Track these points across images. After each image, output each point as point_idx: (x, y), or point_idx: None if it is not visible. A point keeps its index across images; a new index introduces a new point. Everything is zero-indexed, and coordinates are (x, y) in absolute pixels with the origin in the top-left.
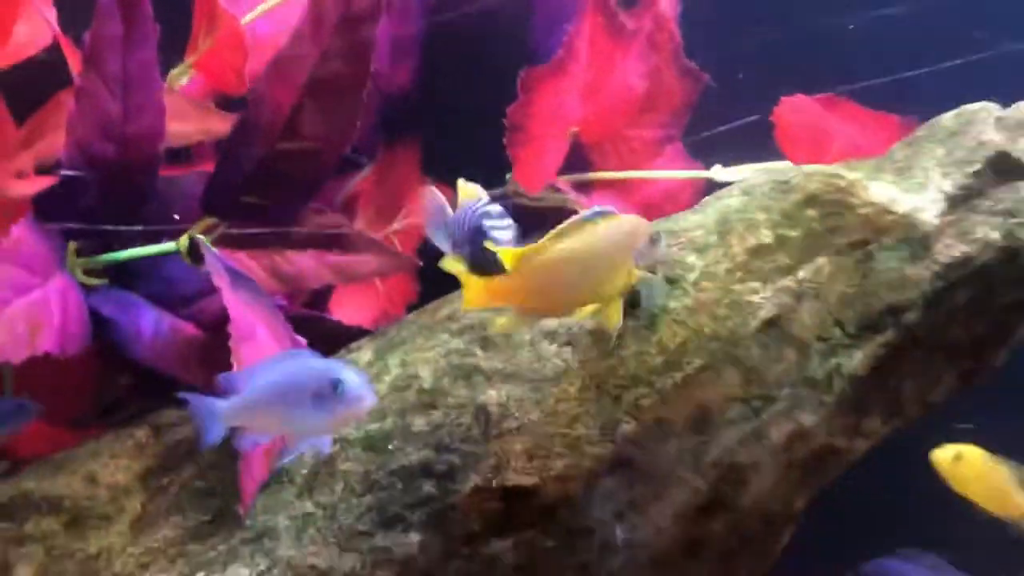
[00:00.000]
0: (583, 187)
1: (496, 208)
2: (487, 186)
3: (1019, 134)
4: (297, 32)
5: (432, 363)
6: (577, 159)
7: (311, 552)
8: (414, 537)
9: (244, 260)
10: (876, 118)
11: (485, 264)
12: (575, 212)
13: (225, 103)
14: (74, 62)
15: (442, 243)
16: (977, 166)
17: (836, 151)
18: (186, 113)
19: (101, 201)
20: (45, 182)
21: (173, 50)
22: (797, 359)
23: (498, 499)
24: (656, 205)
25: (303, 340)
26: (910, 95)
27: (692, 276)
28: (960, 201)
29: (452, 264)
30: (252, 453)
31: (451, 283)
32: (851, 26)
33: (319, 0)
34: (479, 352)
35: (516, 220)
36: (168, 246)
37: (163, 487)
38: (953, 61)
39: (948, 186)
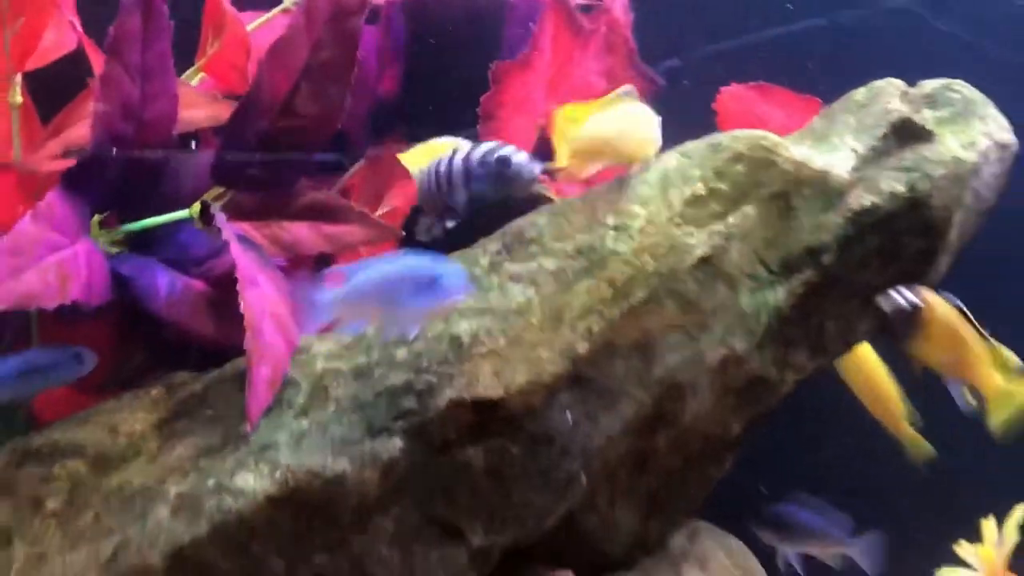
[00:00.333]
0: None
1: (489, 143)
2: None
3: (921, 105)
4: (293, 24)
5: None
6: (545, 151)
7: (307, 457)
8: (397, 443)
9: (248, 230)
10: (803, 101)
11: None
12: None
13: None
14: (96, 60)
15: (431, 206)
16: (884, 130)
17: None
18: (197, 102)
19: (121, 176)
20: (69, 162)
21: (183, 59)
22: (728, 293)
23: (470, 411)
24: None
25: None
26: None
27: (637, 224)
28: (869, 160)
29: None
30: (257, 380)
31: None
32: None
33: None
34: None
35: (488, 207)
36: (180, 214)
37: (176, 432)
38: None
39: (859, 147)
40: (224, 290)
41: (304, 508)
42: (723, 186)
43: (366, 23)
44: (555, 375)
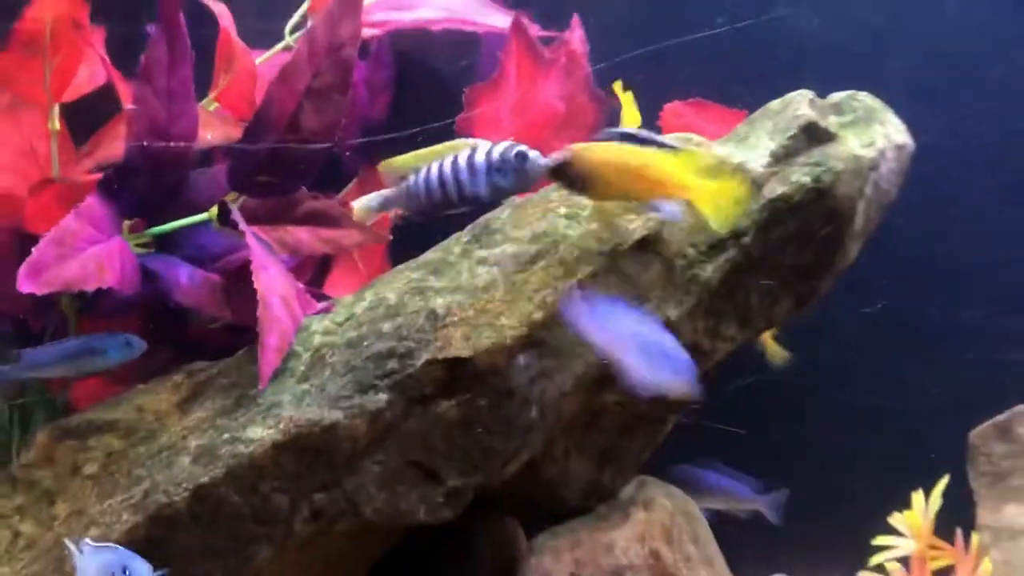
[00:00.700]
0: None
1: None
2: None
3: (828, 113)
4: (297, 53)
5: (396, 290)
6: None
7: (307, 411)
8: (383, 397)
9: (257, 232)
10: (735, 114)
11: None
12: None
13: None
14: (123, 91)
15: (411, 205)
16: (794, 131)
17: None
18: (212, 123)
19: (149, 184)
20: (102, 175)
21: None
22: (662, 270)
23: (443, 369)
24: None
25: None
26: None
27: (585, 212)
28: (782, 157)
29: None
30: (267, 347)
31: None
32: None
33: (313, 28)
34: (431, 279)
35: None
36: (200, 217)
37: (194, 408)
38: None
39: (773, 146)
40: (237, 280)
41: (304, 452)
42: None
43: (357, 58)
44: (515, 338)
